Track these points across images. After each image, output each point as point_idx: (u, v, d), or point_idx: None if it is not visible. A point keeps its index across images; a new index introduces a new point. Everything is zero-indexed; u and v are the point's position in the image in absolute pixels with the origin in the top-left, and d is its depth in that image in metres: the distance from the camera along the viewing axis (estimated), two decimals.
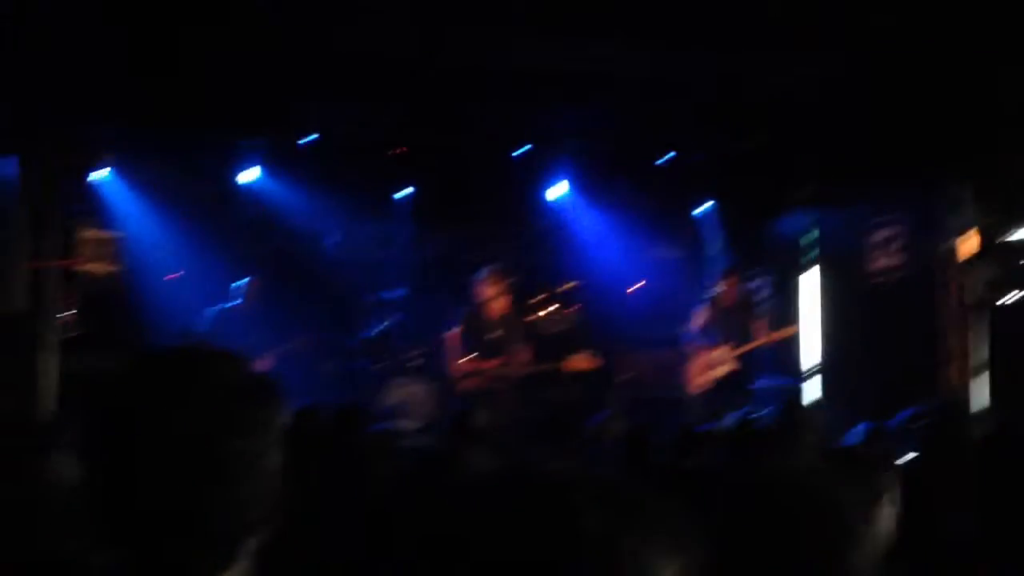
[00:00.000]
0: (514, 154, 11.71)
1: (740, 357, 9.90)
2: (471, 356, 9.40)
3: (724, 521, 1.83)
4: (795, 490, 1.80)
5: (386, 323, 11.51)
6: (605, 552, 0.92)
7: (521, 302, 9.82)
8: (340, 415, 6.50)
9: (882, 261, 9.91)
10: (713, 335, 10.09)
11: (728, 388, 9.89)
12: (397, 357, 11.42)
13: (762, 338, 9.94)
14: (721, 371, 9.89)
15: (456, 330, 9.54)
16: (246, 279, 10.24)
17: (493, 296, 9.41)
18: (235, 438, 1.32)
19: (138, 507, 1.30)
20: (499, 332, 9.39)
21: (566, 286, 12.12)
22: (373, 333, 11.36)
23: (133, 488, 1.30)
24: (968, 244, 8.80)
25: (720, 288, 10.13)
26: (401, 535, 2.64)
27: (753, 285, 11.77)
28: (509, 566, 0.92)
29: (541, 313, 11.50)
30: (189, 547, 1.30)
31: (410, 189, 12.29)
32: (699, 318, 10.20)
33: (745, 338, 9.96)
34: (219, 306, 10.17)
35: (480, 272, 9.62)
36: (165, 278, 11.02)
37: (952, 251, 8.97)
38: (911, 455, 5.37)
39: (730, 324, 10.01)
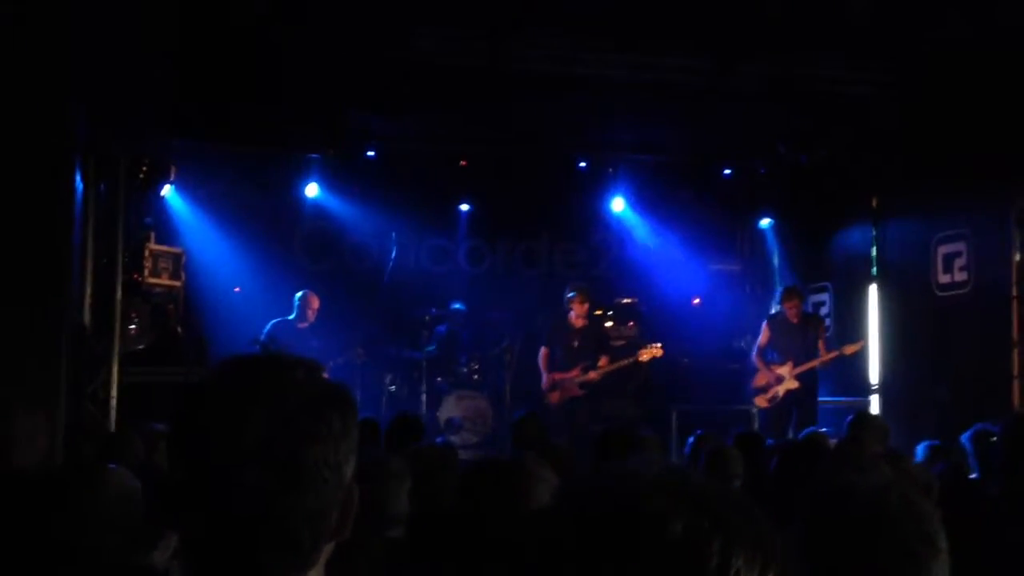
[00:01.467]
0: (575, 167, 11.72)
1: (804, 374, 9.80)
2: (557, 370, 10.11)
3: (805, 532, 1.80)
4: (876, 501, 1.77)
5: (444, 337, 11.55)
6: (691, 558, 0.91)
7: (590, 314, 10.39)
8: (399, 427, 6.51)
9: (947, 276, 9.74)
10: (776, 352, 10.01)
11: (794, 404, 9.81)
12: (455, 371, 11.45)
13: (825, 355, 9.86)
14: (785, 388, 9.82)
15: (544, 349, 10.24)
16: (301, 292, 10.34)
17: (578, 312, 10.09)
18: (314, 446, 1.32)
19: (215, 514, 1.30)
20: (580, 343, 10.11)
21: (626, 300, 12.10)
22: (431, 347, 11.39)
23: (211, 495, 1.30)
24: None
25: (783, 305, 10.04)
26: (471, 546, 2.63)
27: (816, 300, 11.65)
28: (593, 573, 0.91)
29: (607, 324, 11.62)
30: (266, 553, 1.30)
31: (468, 205, 12.34)
32: (763, 335, 10.15)
33: (809, 355, 9.86)
34: (276, 319, 10.26)
35: (567, 290, 10.25)
36: (235, 290, 11.18)
37: (1022, 266, 8.79)
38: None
39: (793, 341, 9.93)
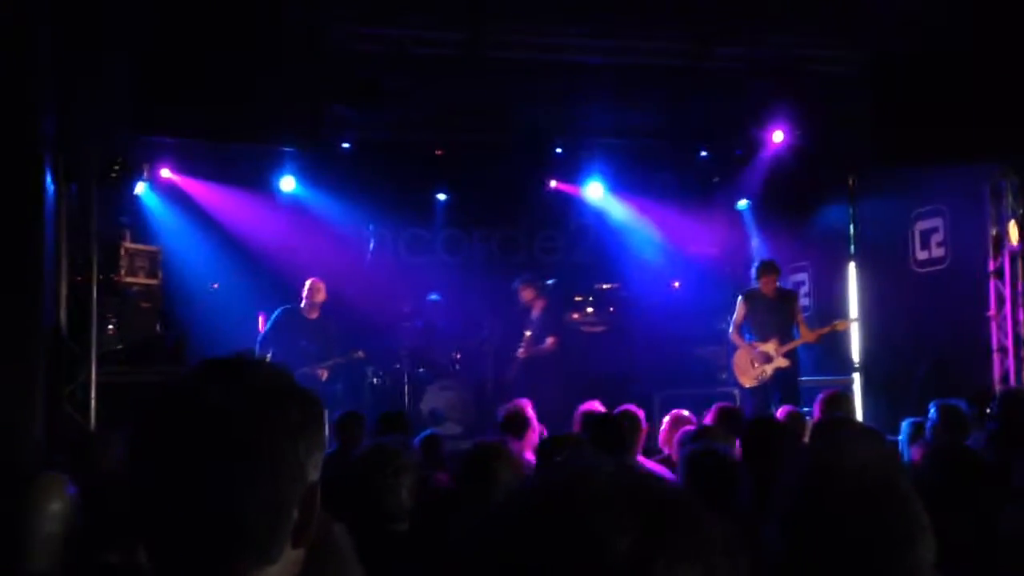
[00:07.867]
0: (552, 153, 11.68)
1: (791, 352, 9.72)
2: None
3: (786, 513, 1.76)
4: (865, 479, 1.74)
5: (422, 329, 11.51)
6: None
7: (560, 301, 11.06)
8: (383, 421, 6.48)
9: (925, 252, 9.77)
10: (754, 329, 9.87)
11: (778, 383, 9.66)
12: (436, 362, 11.42)
13: (821, 329, 9.80)
14: (774, 366, 9.67)
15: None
16: (309, 280, 10.26)
17: (529, 299, 10.98)
18: (268, 435, 1.31)
19: (179, 509, 1.29)
20: (536, 326, 11.00)
21: (605, 286, 12.09)
22: (412, 339, 11.36)
23: (175, 491, 1.29)
24: (1014, 233, 8.66)
25: (758, 280, 9.89)
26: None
27: (796, 280, 11.64)
28: None
29: (576, 316, 11.67)
30: (221, 543, 1.29)
31: (444, 195, 12.31)
32: (739, 311, 9.99)
33: (788, 331, 9.75)
34: (286, 306, 10.21)
35: (515, 282, 11.12)
36: (213, 286, 11.12)
37: (999, 241, 8.84)
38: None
39: (772, 317, 9.79)
